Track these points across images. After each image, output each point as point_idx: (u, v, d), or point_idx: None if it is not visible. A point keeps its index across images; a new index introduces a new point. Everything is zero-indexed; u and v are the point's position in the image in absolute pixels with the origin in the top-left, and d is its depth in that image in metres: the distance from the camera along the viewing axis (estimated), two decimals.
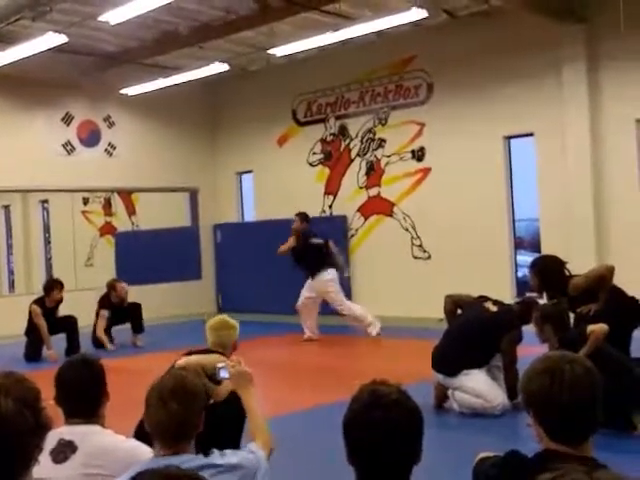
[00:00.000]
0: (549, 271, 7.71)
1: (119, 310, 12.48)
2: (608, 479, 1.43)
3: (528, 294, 8.52)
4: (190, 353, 5.56)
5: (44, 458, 3.18)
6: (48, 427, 2.23)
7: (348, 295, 15.52)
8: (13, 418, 2.09)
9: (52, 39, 11.72)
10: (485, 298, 7.53)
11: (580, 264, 9.07)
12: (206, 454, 3.02)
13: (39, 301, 11.62)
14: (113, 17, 11.34)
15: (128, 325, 12.66)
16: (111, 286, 12.56)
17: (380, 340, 12.20)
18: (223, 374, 4.04)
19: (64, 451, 3.22)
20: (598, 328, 6.12)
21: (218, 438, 4.20)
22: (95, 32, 13.05)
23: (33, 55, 12.38)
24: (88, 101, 16.31)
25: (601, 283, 7.53)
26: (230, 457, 3.08)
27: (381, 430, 2.31)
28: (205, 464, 2.93)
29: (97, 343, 12.24)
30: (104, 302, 12.49)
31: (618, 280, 7.74)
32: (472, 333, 7.10)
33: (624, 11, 10.90)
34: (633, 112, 12.08)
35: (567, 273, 7.81)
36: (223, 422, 4.95)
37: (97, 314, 12.38)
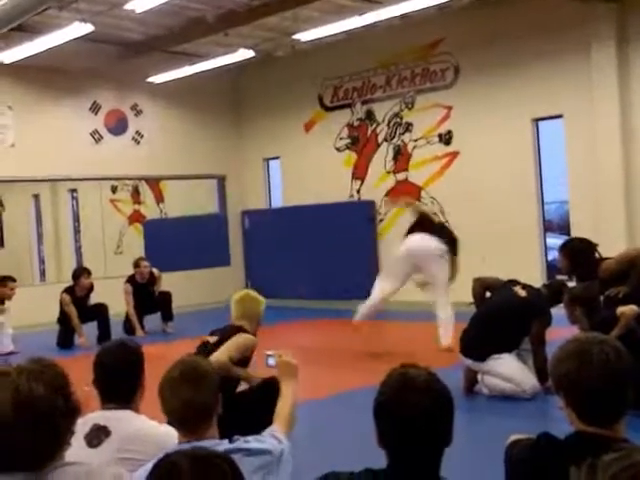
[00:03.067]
0: (579, 253, 7.66)
1: (150, 298, 12.58)
2: None
3: (558, 277, 8.47)
4: (214, 332, 5.57)
5: (79, 442, 3.23)
6: (78, 411, 2.27)
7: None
8: (45, 402, 2.15)
9: (79, 28, 11.77)
10: (514, 282, 7.50)
11: (610, 247, 9.00)
12: (231, 440, 3.04)
13: (69, 290, 11.80)
14: (139, 5, 11.38)
15: (158, 314, 12.79)
16: (135, 264, 12.71)
17: (409, 325, 12.19)
18: (271, 362, 4.12)
19: (98, 436, 3.26)
20: (628, 310, 6.08)
21: (248, 423, 4.24)
22: (121, 21, 13.09)
23: (60, 45, 12.45)
24: (115, 90, 16.38)
25: (632, 266, 7.48)
26: (255, 442, 3.10)
27: (412, 413, 2.31)
28: (231, 449, 2.95)
29: (128, 330, 12.36)
30: (128, 280, 12.68)
31: None
32: (501, 318, 7.07)
33: None
34: None
35: (597, 256, 7.76)
36: (255, 407, 4.98)
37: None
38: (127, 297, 12.51)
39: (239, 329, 5.51)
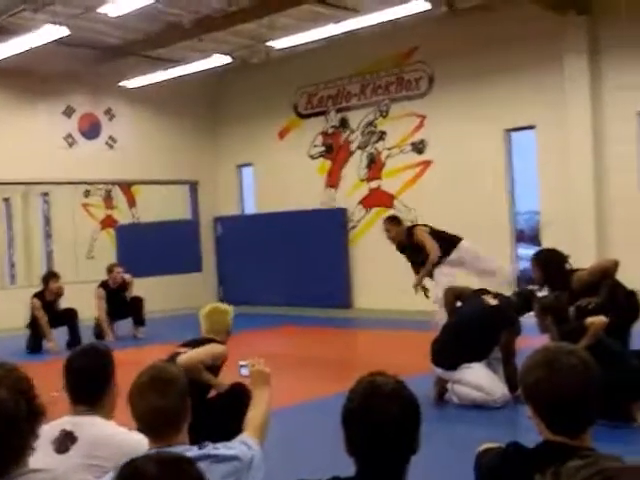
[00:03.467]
0: (552, 264, 7.72)
1: (122, 303, 12.53)
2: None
3: (530, 287, 8.52)
4: (186, 344, 5.59)
5: (47, 448, 3.21)
6: (42, 414, 2.26)
7: (348, 288, 15.58)
8: (7, 405, 2.14)
9: (53, 31, 11.71)
10: (485, 291, 7.54)
11: (580, 258, 9.08)
12: (200, 446, 3.03)
13: (39, 294, 11.73)
14: (115, 9, 11.34)
15: (130, 319, 12.74)
16: (109, 270, 12.67)
17: (380, 333, 12.21)
18: (244, 372, 4.14)
19: (65, 442, 3.23)
20: (597, 320, 6.13)
21: (218, 429, 4.22)
22: (96, 24, 13.03)
23: (34, 47, 12.37)
24: (89, 94, 16.30)
25: (604, 277, 7.55)
26: (224, 449, 3.09)
27: (379, 420, 2.33)
28: (200, 455, 2.93)
29: (98, 335, 12.29)
30: (101, 285, 12.64)
31: (618, 274, 7.75)
32: (472, 327, 7.10)
33: (625, 1, 10.88)
34: (635, 104, 12.07)
35: (569, 267, 7.82)
36: (224, 413, 4.97)
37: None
38: (99, 302, 12.45)
39: (211, 341, 5.53)
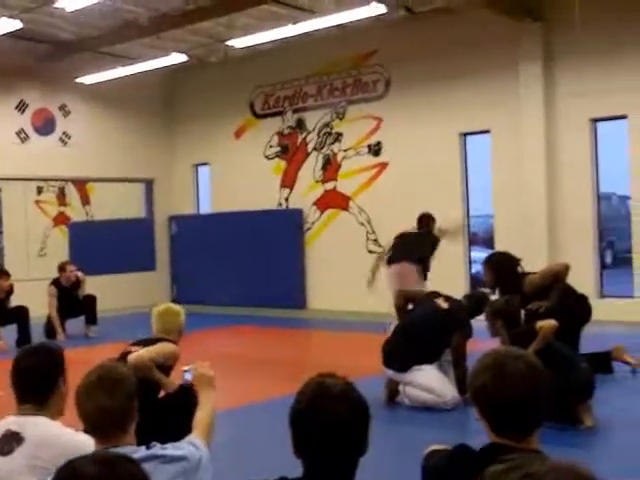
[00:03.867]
0: (503, 267, 7.81)
1: (74, 301, 12.39)
2: (563, 466, 1.46)
3: (481, 289, 8.60)
4: (137, 343, 5.55)
5: None
6: None
7: (303, 289, 15.60)
8: None
9: (6, 24, 11.58)
10: (436, 294, 7.58)
11: (532, 261, 9.20)
12: (148, 447, 3.01)
13: None
14: (70, 4, 11.22)
15: (82, 318, 12.60)
16: (61, 268, 12.50)
17: (333, 334, 12.23)
18: (187, 377, 4.15)
19: (10, 442, 3.18)
20: (547, 324, 6.20)
21: (167, 429, 4.20)
22: (51, 19, 12.88)
23: None
24: (43, 89, 16.09)
25: (555, 281, 7.65)
26: (172, 449, 3.08)
27: (326, 421, 2.33)
28: (147, 456, 2.92)
29: (49, 333, 12.16)
30: (53, 283, 12.47)
31: (569, 277, 7.86)
32: (423, 329, 7.14)
33: (580, 10, 11.02)
34: (587, 111, 12.23)
35: (520, 270, 7.91)
36: (173, 413, 4.95)
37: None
38: (50, 299, 12.30)
39: (162, 341, 5.50)
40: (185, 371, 4.23)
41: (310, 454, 2.37)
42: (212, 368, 3.97)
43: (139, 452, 2.89)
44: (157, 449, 3.02)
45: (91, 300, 12.54)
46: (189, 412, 3.72)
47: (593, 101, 12.13)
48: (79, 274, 12.58)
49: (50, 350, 3.56)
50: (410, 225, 10.40)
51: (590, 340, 8.07)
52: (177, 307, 5.82)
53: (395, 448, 5.72)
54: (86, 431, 3.05)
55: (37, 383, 3.38)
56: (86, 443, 3.01)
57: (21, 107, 15.85)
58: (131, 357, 5.22)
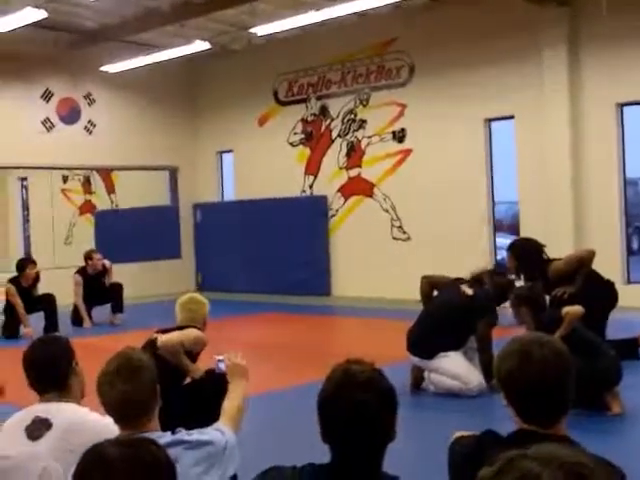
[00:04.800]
0: (527, 254, 7.78)
1: (100, 289, 12.47)
2: (550, 451, 1.44)
3: (508, 276, 8.56)
4: (163, 331, 5.57)
5: (19, 435, 3.20)
6: None
7: (327, 276, 15.61)
8: None
9: (31, 14, 11.62)
10: (462, 280, 7.56)
11: (558, 247, 9.15)
12: (173, 432, 3.03)
13: (14, 280, 11.61)
14: None
15: (108, 305, 12.68)
16: (87, 256, 12.57)
17: (358, 321, 12.25)
18: (221, 366, 4.17)
19: (39, 428, 3.22)
20: (573, 310, 6.17)
21: (193, 415, 4.23)
22: (75, 8, 12.95)
23: (12, 30, 12.27)
24: (68, 78, 16.16)
25: (580, 267, 7.61)
26: (197, 435, 3.10)
27: (354, 408, 2.33)
28: (172, 441, 2.94)
29: (76, 321, 12.26)
30: (79, 272, 12.54)
31: (595, 263, 7.82)
32: (448, 316, 7.12)
33: None
34: (613, 95, 12.12)
35: (545, 256, 7.88)
36: (199, 399, 4.97)
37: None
38: (76, 288, 12.38)
39: (189, 328, 5.52)
40: (219, 360, 4.26)
41: (337, 441, 2.37)
42: (242, 356, 3.99)
43: (164, 437, 2.92)
44: (182, 435, 3.05)
45: (117, 288, 12.62)
46: (217, 399, 3.74)
47: (619, 86, 12.02)
48: (106, 262, 12.64)
49: (57, 339, 3.66)
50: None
51: (617, 326, 8.03)
52: (201, 297, 5.82)
53: (420, 434, 5.73)
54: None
55: (53, 371, 3.44)
56: (113, 427, 3.04)
57: (46, 96, 15.93)
58: (161, 340, 5.25)
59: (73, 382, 3.46)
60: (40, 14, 11.64)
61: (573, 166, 12.39)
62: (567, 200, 12.39)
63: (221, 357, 4.23)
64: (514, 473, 1.43)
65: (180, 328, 5.54)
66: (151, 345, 5.27)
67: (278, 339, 10.91)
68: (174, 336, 5.30)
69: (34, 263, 11.88)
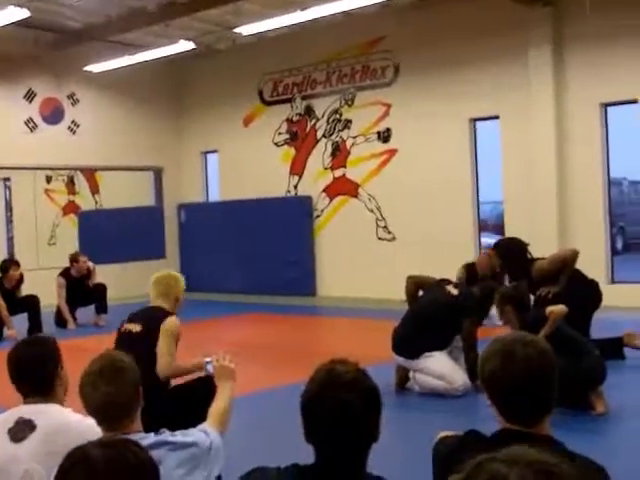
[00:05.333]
0: (511, 253, 7.80)
1: (84, 290, 12.42)
2: (518, 452, 1.45)
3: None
4: (134, 318, 5.42)
5: (2, 437, 3.18)
6: None
7: (312, 276, 15.61)
8: None
9: (14, 13, 11.56)
10: (446, 281, 7.57)
11: (542, 247, 9.18)
12: (156, 433, 3.02)
13: None
14: None
15: (92, 306, 12.62)
16: (73, 259, 12.51)
17: (343, 321, 12.25)
18: (209, 368, 4.16)
19: (23, 429, 3.20)
20: (557, 309, 6.18)
21: (181, 416, 4.20)
22: (59, 7, 12.89)
23: None
24: (51, 78, 16.09)
25: (564, 266, 7.63)
26: (181, 436, 3.09)
27: (338, 408, 2.32)
28: (156, 442, 2.93)
29: (60, 322, 12.20)
30: (62, 274, 12.48)
31: (579, 262, 7.84)
32: (433, 316, 7.12)
33: None
34: (598, 96, 12.17)
35: (529, 256, 7.90)
36: (187, 401, 4.93)
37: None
38: (59, 290, 12.32)
39: (159, 310, 5.39)
40: (207, 362, 4.24)
41: (321, 441, 2.36)
42: (230, 358, 3.98)
43: (148, 439, 2.91)
44: (166, 436, 3.04)
45: (101, 289, 12.57)
46: (205, 402, 3.73)
47: (603, 86, 12.07)
48: (89, 264, 12.60)
49: (44, 340, 3.59)
50: None
51: (601, 326, 8.06)
52: (174, 273, 5.70)
53: (405, 434, 5.73)
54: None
55: (38, 373, 3.40)
56: (96, 428, 3.02)
57: (29, 96, 15.86)
58: (162, 371, 5.18)
59: (58, 385, 3.43)
60: (23, 13, 11.58)
61: (558, 166, 12.44)
62: (552, 200, 12.44)
63: (209, 359, 4.22)
64: (482, 476, 1.44)
65: (150, 311, 5.42)
66: (127, 338, 5.18)
67: (263, 339, 10.90)
68: (167, 361, 5.14)
69: (17, 264, 11.81)
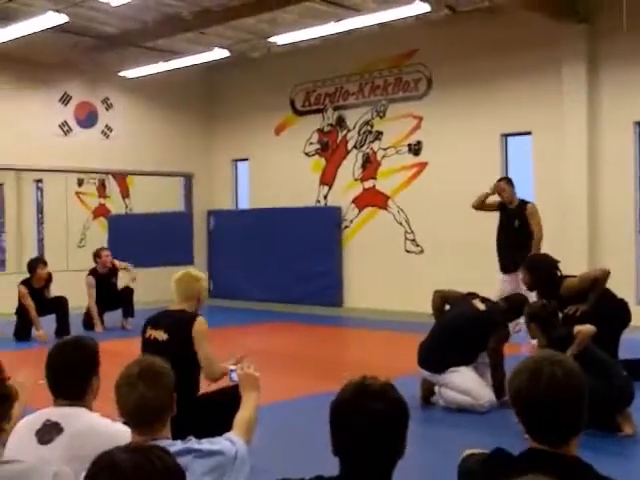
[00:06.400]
0: (542, 270, 7.73)
1: (112, 290, 12.50)
2: None
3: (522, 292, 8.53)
4: (154, 323, 5.35)
5: (30, 438, 3.20)
6: (12, 397, 2.26)
7: (339, 287, 15.59)
8: None
9: (52, 18, 11.68)
10: (474, 295, 7.52)
11: (572, 264, 9.12)
12: (184, 441, 3.03)
13: (26, 282, 11.62)
14: None
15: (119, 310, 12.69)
16: (96, 254, 12.61)
17: (369, 333, 12.23)
18: (234, 377, 4.16)
19: (50, 432, 3.22)
20: (585, 329, 6.12)
21: (206, 426, 4.20)
22: (96, 13, 13.00)
23: (33, 34, 12.33)
24: (87, 82, 16.25)
25: (594, 286, 7.57)
26: (208, 444, 3.10)
27: (366, 419, 2.33)
28: (183, 449, 2.94)
29: (87, 325, 12.26)
30: (91, 273, 12.56)
31: (608, 281, 7.77)
32: (459, 331, 7.08)
33: (626, 11, 10.89)
34: (632, 114, 12.09)
35: (559, 273, 7.84)
36: (212, 410, 4.91)
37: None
38: (89, 290, 12.38)
39: (182, 314, 5.30)
40: (231, 370, 4.24)
41: (348, 453, 2.37)
42: (255, 367, 3.98)
43: (175, 445, 2.92)
44: (193, 443, 3.05)
45: (129, 293, 12.64)
46: (230, 411, 3.73)
47: (638, 104, 11.98)
48: (115, 262, 12.68)
49: (84, 346, 3.56)
50: None
51: (629, 346, 7.98)
52: (196, 272, 5.61)
53: (430, 449, 5.70)
54: (125, 422, 3.08)
55: (71, 380, 3.40)
56: (124, 433, 3.03)
57: (65, 100, 16.02)
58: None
59: (89, 391, 3.44)
60: (61, 18, 11.70)
61: (589, 183, 12.35)
62: (582, 217, 12.35)
63: (233, 367, 4.22)
64: None
65: (175, 317, 5.31)
66: (154, 346, 5.11)
67: (288, 349, 10.89)
68: (213, 368, 5.13)
69: (45, 263, 11.88)
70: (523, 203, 10.28)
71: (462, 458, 2.89)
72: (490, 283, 12.20)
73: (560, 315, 7.02)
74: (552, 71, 12.64)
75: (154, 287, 15.64)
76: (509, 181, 10.45)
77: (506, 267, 10.16)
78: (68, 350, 3.50)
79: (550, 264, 7.83)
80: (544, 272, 7.70)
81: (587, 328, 6.15)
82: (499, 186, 10.33)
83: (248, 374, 3.92)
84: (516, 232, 10.11)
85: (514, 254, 9.68)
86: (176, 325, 5.24)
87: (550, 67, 12.67)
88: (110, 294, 12.47)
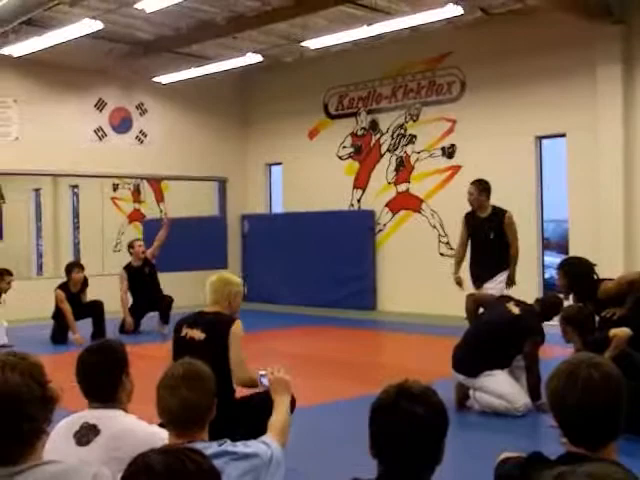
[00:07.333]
0: (578, 273, 7.66)
1: (146, 280, 12.68)
2: (597, 469, 1.42)
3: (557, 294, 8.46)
4: (192, 323, 5.26)
5: (68, 440, 3.24)
6: (54, 400, 2.31)
7: (373, 291, 15.57)
8: (20, 389, 2.21)
9: (88, 25, 11.80)
10: (508, 298, 7.49)
11: (608, 267, 9.03)
12: (219, 443, 3.05)
13: (63, 286, 11.76)
14: (149, 5, 11.40)
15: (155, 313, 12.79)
16: (130, 245, 12.87)
17: (404, 336, 12.20)
18: (264, 381, 4.15)
19: (87, 434, 3.26)
20: (621, 332, 6.07)
21: (240, 429, 4.22)
22: (131, 19, 13.12)
23: (69, 41, 12.47)
24: (121, 88, 16.40)
25: (631, 289, 7.49)
26: (243, 447, 3.11)
27: (406, 422, 2.33)
28: (219, 451, 2.96)
29: (123, 329, 12.35)
30: (126, 267, 12.76)
31: None
32: (493, 335, 7.05)
33: None
34: None
35: (595, 276, 7.78)
36: (245, 414, 4.92)
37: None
38: (122, 284, 12.51)
39: (220, 315, 5.23)
40: (262, 375, 4.24)
41: (387, 453, 2.37)
42: (285, 370, 3.99)
43: (211, 448, 2.94)
44: (228, 446, 3.06)
45: (168, 301, 12.68)
46: (262, 416, 3.74)
47: None
48: (148, 252, 12.81)
49: (110, 347, 3.60)
50: None
51: None
52: (229, 276, 5.50)
53: (465, 453, 5.67)
54: (163, 425, 3.10)
55: (101, 382, 3.45)
56: (161, 435, 3.06)
57: (100, 105, 16.17)
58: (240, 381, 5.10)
59: (121, 392, 3.48)
60: (97, 25, 11.82)
61: (625, 186, 12.23)
62: (618, 221, 12.23)
63: (263, 372, 4.22)
64: None
65: (212, 318, 5.22)
66: (190, 346, 5.04)
67: (322, 353, 10.90)
68: (244, 372, 5.00)
69: (81, 267, 12.02)
70: (500, 211, 9.10)
71: (498, 462, 2.88)
72: (525, 285, 12.15)
73: (597, 318, 6.96)
74: (586, 72, 12.54)
75: (189, 292, 15.73)
76: (480, 183, 9.16)
77: (481, 277, 8.76)
78: (94, 353, 3.55)
79: (587, 267, 7.77)
80: (581, 275, 7.64)
81: (623, 331, 6.09)
82: None
83: (278, 378, 3.93)
84: (492, 245, 8.87)
85: (491, 272, 8.65)
86: (215, 325, 5.16)
87: (584, 68, 12.57)
88: (145, 286, 12.60)
